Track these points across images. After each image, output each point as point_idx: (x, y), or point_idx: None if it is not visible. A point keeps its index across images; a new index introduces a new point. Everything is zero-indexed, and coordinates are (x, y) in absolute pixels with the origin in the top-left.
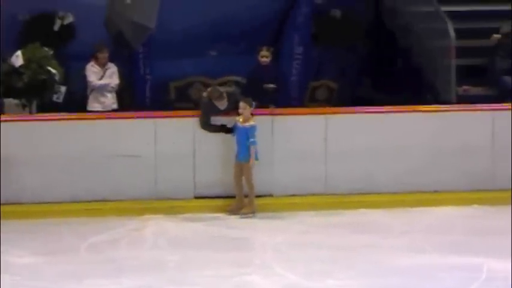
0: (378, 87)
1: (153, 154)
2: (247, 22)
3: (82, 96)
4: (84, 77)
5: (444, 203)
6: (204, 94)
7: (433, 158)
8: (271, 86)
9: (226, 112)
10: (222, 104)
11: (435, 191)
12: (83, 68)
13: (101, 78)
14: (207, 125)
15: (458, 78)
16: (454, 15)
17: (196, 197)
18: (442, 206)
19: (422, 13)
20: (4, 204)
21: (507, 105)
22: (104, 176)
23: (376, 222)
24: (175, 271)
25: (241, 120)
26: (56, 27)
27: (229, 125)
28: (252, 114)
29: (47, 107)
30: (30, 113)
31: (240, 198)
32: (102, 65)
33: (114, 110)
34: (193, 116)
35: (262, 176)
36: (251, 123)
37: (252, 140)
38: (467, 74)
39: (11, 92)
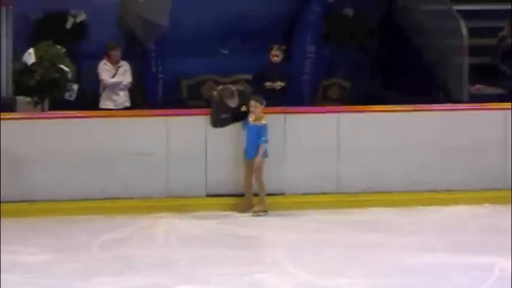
0: (390, 86)
1: (165, 152)
2: (259, 21)
3: (94, 94)
4: (96, 75)
5: (455, 202)
6: (215, 93)
7: (444, 157)
8: (279, 83)
9: (236, 110)
10: (233, 102)
11: (447, 190)
12: (95, 66)
13: (113, 76)
14: (218, 123)
15: (470, 77)
16: (466, 14)
17: (208, 195)
18: (453, 205)
19: (434, 11)
20: (15, 202)
21: None
22: (115, 174)
23: (388, 221)
24: (187, 269)
25: (252, 118)
26: (69, 25)
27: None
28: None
29: (59, 105)
30: (43, 110)
31: (248, 197)
32: (115, 63)
33: (126, 108)
34: (205, 114)
35: (274, 174)
36: (263, 122)
37: (263, 138)
38: (480, 73)
39: (23, 90)
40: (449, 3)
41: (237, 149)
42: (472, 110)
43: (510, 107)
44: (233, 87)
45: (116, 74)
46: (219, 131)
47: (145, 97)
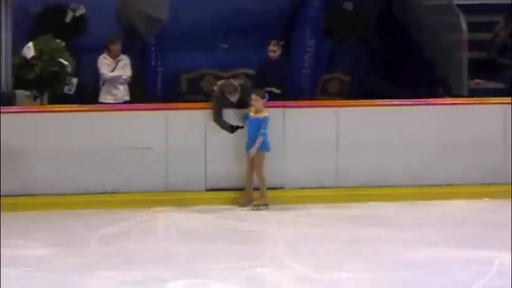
0: (390, 80)
1: (164, 146)
2: (259, 15)
3: (93, 88)
4: (96, 69)
5: (456, 197)
6: (215, 88)
7: (444, 151)
8: (275, 89)
9: (237, 104)
10: (234, 97)
11: (447, 184)
12: (95, 60)
13: (113, 70)
14: (219, 119)
15: (470, 72)
16: (466, 8)
17: (207, 189)
18: (453, 200)
19: (434, 6)
20: (15, 196)
21: None
22: (115, 168)
23: (388, 216)
24: (186, 263)
25: (253, 111)
26: (68, 19)
27: (241, 124)
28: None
29: (59, 98)
30: (42, 104)
31: (248, 191)
32: (115, 57)
33: (125, 102)
34: (204, 108)
35: (274, 168)
36: (264, 115)
37: (262, 131)
38: (479, 68)
39: (22, 84)
40: None
41: (236, 143)
42: (472, 105)
43: (510, 101)
44: (235, 83)
45: (115, 68)
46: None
47: (145, 91)
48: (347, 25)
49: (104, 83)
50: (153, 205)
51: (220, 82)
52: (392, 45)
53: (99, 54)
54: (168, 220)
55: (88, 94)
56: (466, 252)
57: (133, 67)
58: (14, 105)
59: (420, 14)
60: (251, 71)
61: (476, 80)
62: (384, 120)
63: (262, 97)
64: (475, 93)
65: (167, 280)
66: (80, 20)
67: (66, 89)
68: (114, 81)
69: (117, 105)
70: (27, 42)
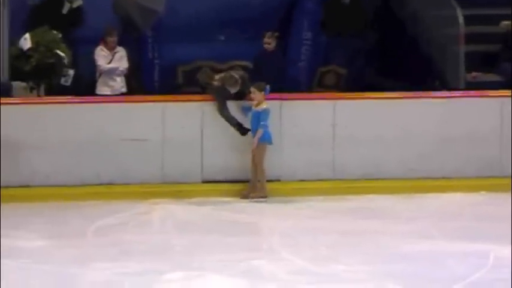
0: (386, 73)
1: (160, 138)
2: (256, 7)
3: (90, 79)
4: (93, 60)
5: (452, 190)
6: (216, 80)
7: (441, 144)
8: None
9: (237, 96)
10: (234, 89)
11: (443, 177)
12: (92, 52)
13: (109, 62)
14: (225, 114)
15: (467, 65)
16: (463, 2)
17: (204, 181)
18: (449, 193)
19: None
20: (12, 187)
21: None
22: (111, 160)
23: (384, 208)
24: (182, 255)
25: (254, 104)
26: (65, 11)
27: (245, 125)
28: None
29: (55, 90)
30: (38, 96)
31: (253, 183)
32: (111, 49)
33: (122, 94)
34: (201, 100)
35: (271, 160)
36: (263, 107)
37: (262, 123)
38: (476, 61)
39: (19, 75)
40: None
41: (233, 135)
42: (469, 98)
43: (506, 94)
44: (236, 75)
45: (112, 59)
46: (215, 117)
47: (142, 83)
48: (344, 18)
49: (100, 74)
50: (150, 197)
51: (220, 74)
52: (389, 39)
53: (96, 45)
54: (165, 212)
55: (85, 86)
56: (462, 245)
57: (130, 59)
58: (11, 96)
59: (417, 7)
60: (248, 63)
61: (473, 73)
62: (381, 113)
63: (263, 89)
64: (472, 86)
65: (164, 272)
66: (76, 12)
67: (62, 81)
68: (111, 73)
69: (114, 97)
70: (23, 34)
